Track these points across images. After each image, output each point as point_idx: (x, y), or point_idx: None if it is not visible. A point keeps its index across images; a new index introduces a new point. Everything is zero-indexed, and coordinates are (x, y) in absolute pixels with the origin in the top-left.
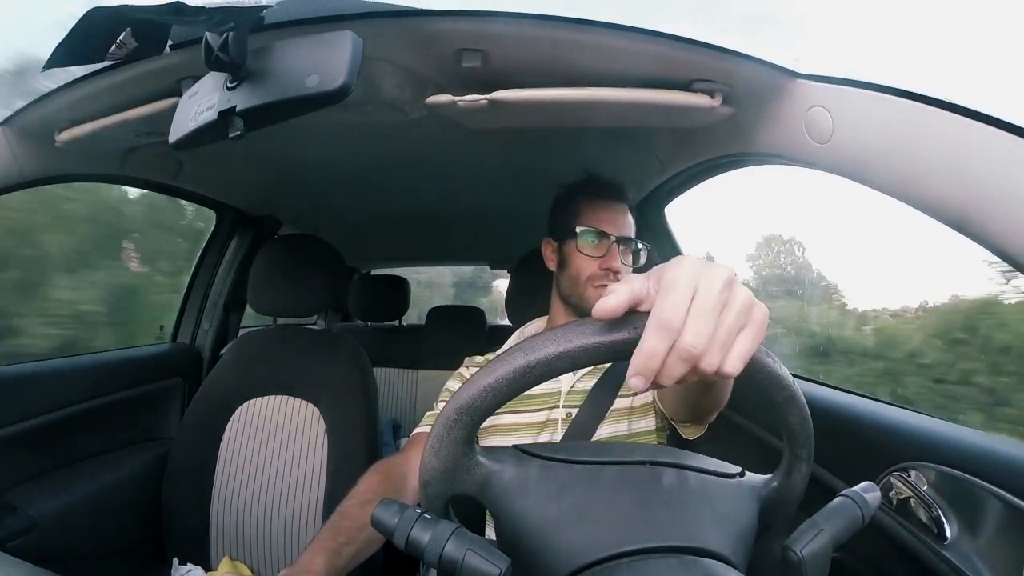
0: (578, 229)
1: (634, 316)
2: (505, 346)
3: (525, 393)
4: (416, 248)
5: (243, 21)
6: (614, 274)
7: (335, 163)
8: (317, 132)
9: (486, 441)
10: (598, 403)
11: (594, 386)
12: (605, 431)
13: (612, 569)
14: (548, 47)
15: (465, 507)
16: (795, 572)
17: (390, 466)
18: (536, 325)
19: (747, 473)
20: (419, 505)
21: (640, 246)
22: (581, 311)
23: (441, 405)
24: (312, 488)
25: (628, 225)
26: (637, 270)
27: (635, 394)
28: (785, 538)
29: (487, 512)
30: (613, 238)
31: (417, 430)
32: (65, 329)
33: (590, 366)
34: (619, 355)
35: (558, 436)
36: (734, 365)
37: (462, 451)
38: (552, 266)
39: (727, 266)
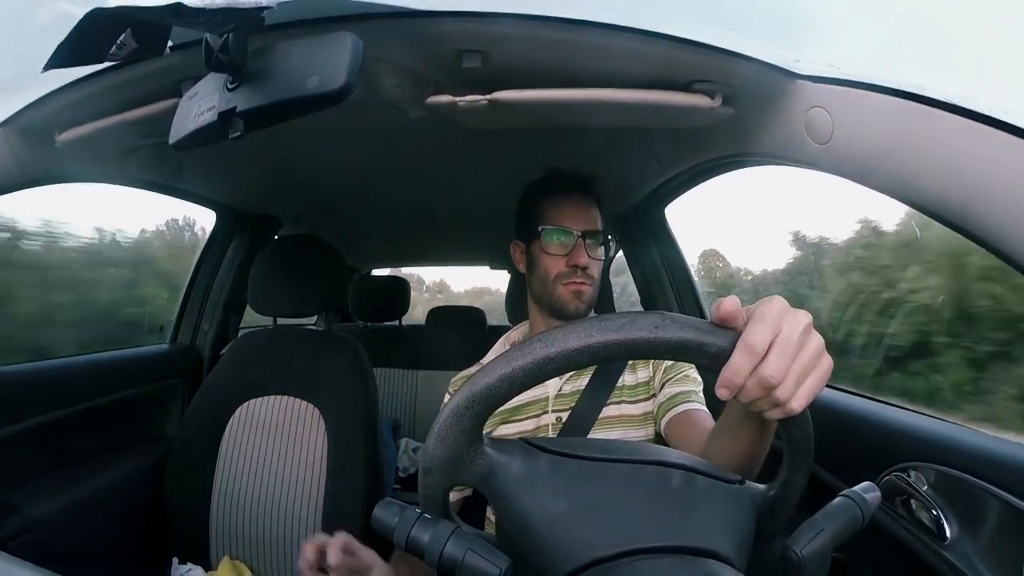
0: (541, 229)
1: (654, 317)
2: (491, 352)
3: (513, 403)
4: (416, 248)
5: (243, 22)
6: (582, 270)
7: (335, 163)
8: (317, 132)
9: None
10: (589, 407)
11: (585, 389)
12: (597, 437)
13: (621, 566)
14: (548, 48)
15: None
16: (795, 572)
17: None
18: (521, 330)
19: (746, 482)
20: (419, 505)
21: (608, 238)
22: (555, 311)
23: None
24: (312, 488)
25: (593, 219)
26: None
27: (627, 401)
28: (785, 538)
29: (485, 513)
30: (578, 234)
31: None
32: None
33: (608, 362)
34: (637, 354)
35: None
36: (800, 402)
37: (468, 440)
38: (521, 268)
39: (807, 313)
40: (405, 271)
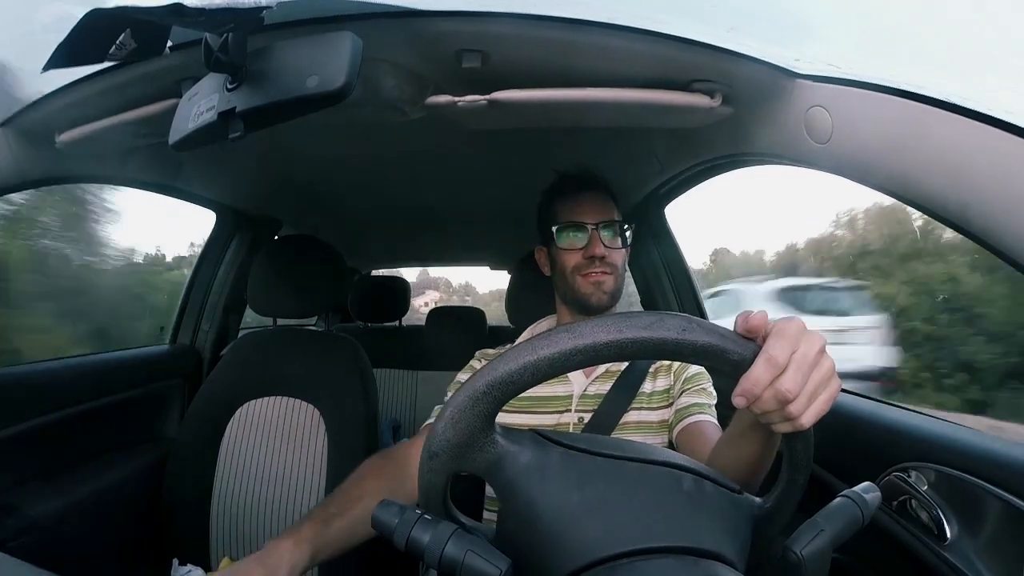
0: (555, 228)
1: (681, 319)
2: (519, 341)
3: (537, 395)
4: (416, 249)
5: (243, 22)
6: (599, 260)
7: (335, 164)
8: (317, 133)
9: None
10: (612, 409)
11: (610, 391)
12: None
13: (627, 565)
14: (548, 47)
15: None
16: (795, 572)
17: (392, 450)
18: (548, 322)
19: (744, 492)
20: (418, 506)
21: (625, 226)
22: (579, 305)
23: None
24: (312, 489)
25: (607, 211)
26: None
27: (646, 408)
28: (785, 539)
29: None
30: (591, 226)
31: (428, 423)
32: None
33: (635, 360)
34: (662, 354)
35: None
36: (809, 418)
37: (481, 427)
38: (547, 271)
39: (822, 335)
40: (434, 274)
